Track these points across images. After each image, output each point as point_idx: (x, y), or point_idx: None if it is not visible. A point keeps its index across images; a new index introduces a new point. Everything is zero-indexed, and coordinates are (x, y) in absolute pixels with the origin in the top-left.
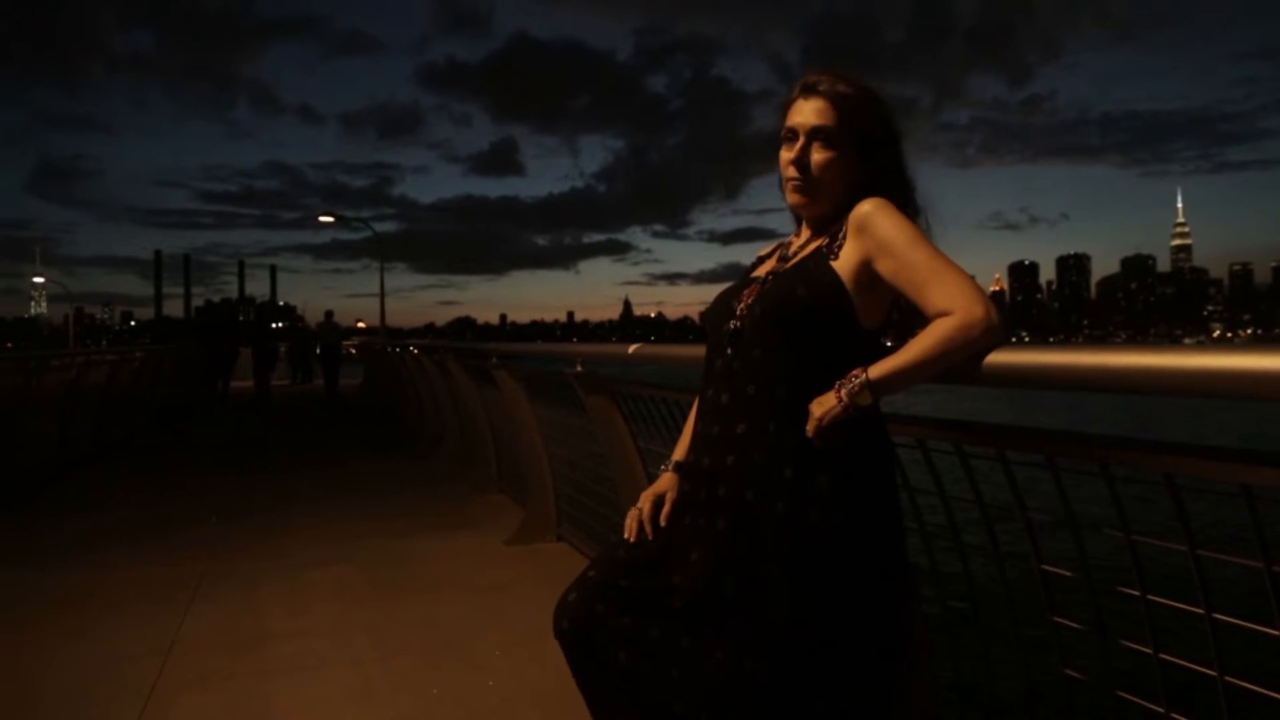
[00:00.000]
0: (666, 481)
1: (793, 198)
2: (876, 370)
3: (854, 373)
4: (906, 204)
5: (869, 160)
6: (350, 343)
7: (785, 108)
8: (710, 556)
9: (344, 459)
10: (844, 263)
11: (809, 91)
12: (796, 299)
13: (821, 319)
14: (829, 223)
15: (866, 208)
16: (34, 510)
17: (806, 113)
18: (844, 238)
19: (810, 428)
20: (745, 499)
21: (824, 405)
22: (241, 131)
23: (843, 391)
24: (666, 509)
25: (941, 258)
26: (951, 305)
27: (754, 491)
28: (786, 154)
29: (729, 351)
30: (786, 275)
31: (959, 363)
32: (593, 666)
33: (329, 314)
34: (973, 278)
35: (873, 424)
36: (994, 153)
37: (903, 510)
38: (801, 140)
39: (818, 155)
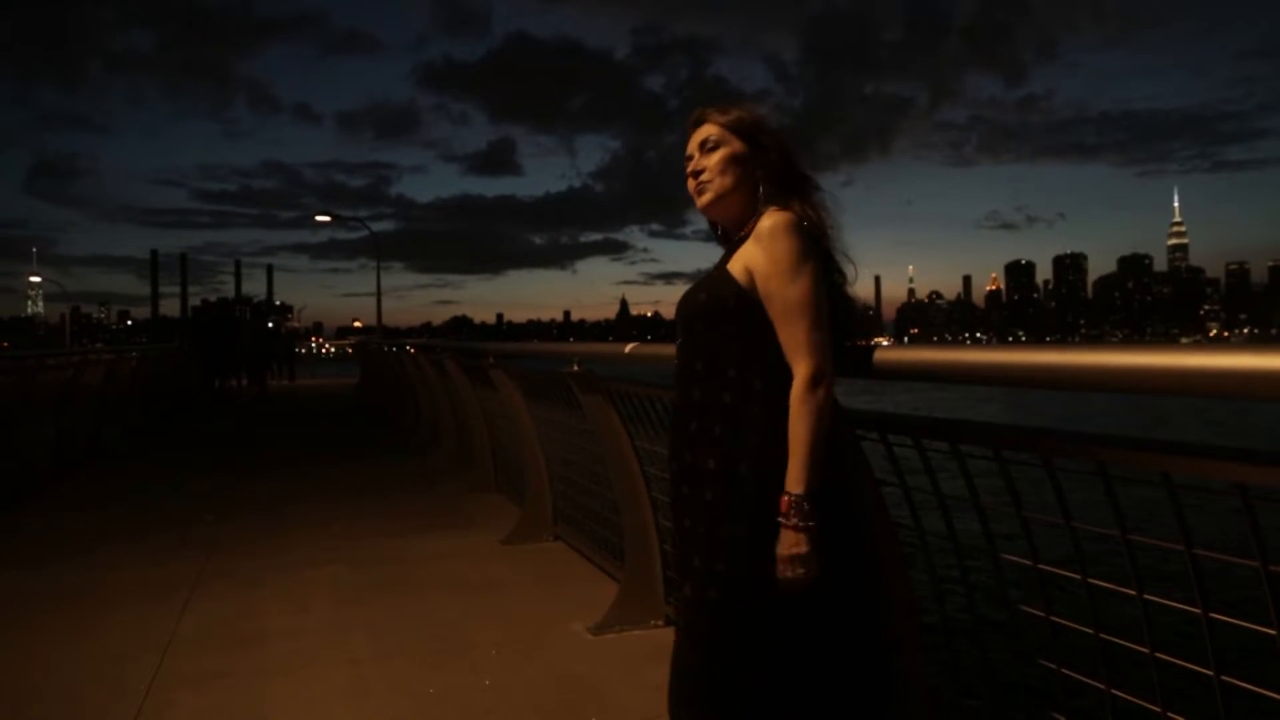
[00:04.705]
0: None
1: (701, 200)
2: (793, 484)
3: (783, 501)
4: (808, 196)
5: (761, 159)
6: (346, 342)
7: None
8: (699, 526)
9: (340, 458)
10: (739, 265)
11: (694, 124)
12: (699, 304)
13: (727, 316)
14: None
15: (769, 221)
16: (30, 509)
17: (696, 138)
18: (745, 244)
19: (784, 570)
20: (709, 467)
21: (787, 544)
22: (239, 131)
23: (793, 521)
24: None
25: (808, 303)
26: (793, 359)
27: (715, 460)
28: (690, 179)
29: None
30: (698, 282)
31: (827, 418)
32: None
33: (288, 317)
34: (824, 329)
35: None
36: (991, 152)
37: (864, 496)
38: (696, 156)
39: (708, 159)
